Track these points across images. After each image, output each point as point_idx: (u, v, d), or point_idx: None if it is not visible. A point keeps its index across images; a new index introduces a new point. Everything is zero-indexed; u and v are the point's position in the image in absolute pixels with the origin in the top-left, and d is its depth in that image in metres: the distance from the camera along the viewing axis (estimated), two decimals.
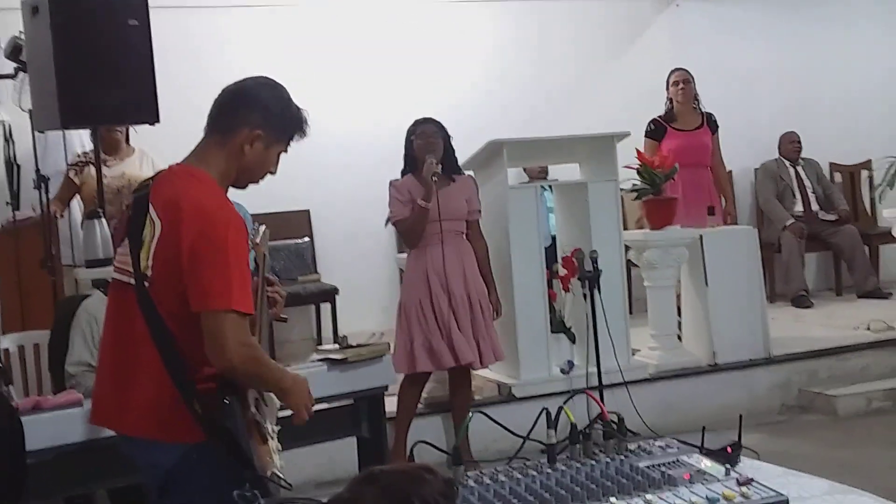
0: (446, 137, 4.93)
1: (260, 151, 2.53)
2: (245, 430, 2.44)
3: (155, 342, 2.44)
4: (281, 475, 2.51)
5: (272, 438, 2.56)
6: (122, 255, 2.55)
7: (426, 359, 4.83)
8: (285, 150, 2.62)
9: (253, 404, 2.52)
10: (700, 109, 6.54)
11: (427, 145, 4.84)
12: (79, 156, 5.70)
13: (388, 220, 5.01)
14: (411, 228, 4.88)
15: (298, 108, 2.60)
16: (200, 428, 2.42)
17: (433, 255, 4.87)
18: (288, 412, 2.58)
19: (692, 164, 6.17)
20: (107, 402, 2.58)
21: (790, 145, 8.02)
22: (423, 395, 5.33)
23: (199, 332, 2.38)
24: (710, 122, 6.54)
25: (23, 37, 5.02)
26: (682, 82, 6.49)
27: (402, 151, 4.99)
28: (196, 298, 2.37)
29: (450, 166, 4.93)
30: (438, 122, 4.96)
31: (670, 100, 6.52)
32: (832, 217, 7.83)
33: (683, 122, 6.47)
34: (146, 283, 2.44)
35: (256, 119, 2.51)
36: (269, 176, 2.65)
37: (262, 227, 2.76)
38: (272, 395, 2.59)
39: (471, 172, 5.55)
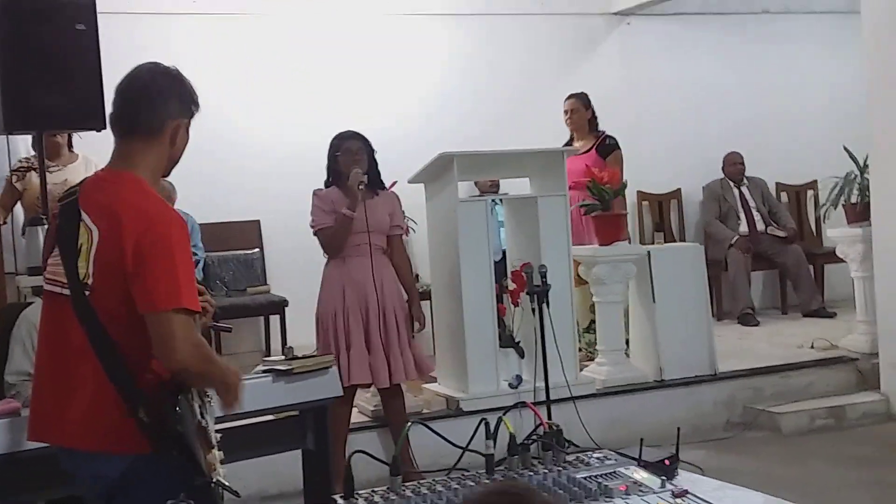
0: (371, 152, 4.93)
1: (184, 137, 2.58)
2: (195, 433, 2.40)
3: (96, 351, 2.39)
4: (226, 483, 2.48)
5: (215, 447, 2.53)
6: (54, 265, 2.49)
7: (342, 373, 4.79)
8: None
9: (199, 411, 2.49)
10: (597, 132, 6.50)
11: (353, 163, 4.83)
12: (21, 161, 5.62)
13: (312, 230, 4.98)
14: (334, 237, 4.85)
15: (188, 82, 2.61)
16: (146, 437, 2.38)
17: (352, 267, 4.86)
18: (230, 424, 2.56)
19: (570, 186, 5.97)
20: (45, 416, 2.51)
21: (733, 167, 8.11)
22: (371, 408, 5.31)
23: (144, 337, 2.34)
24: (602, 146, 6.42)
25: None
26: (570, 111, 6.50)
27: None
28: (143, 300, 2.33)
29: (374, 180, 4.92)
30: (363, 137, 4.94)
31: None
32: (781, 233, 7.92)
33: (580, 146, 6.46)
34: (87, 293, 2.40)
35: (174, 108, 2.53)
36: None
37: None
38: (212, 401, 2.57)
39: (421, 184, 5.57)
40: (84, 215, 2.43)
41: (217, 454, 2.53)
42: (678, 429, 2.41)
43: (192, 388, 2.46)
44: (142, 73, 2.58)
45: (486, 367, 5.40)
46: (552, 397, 5.14)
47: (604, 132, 6.50)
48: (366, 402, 5.36)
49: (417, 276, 6.41)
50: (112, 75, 4.76)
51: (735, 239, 7.78)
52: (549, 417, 4.76)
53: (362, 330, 4.83)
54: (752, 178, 8.15)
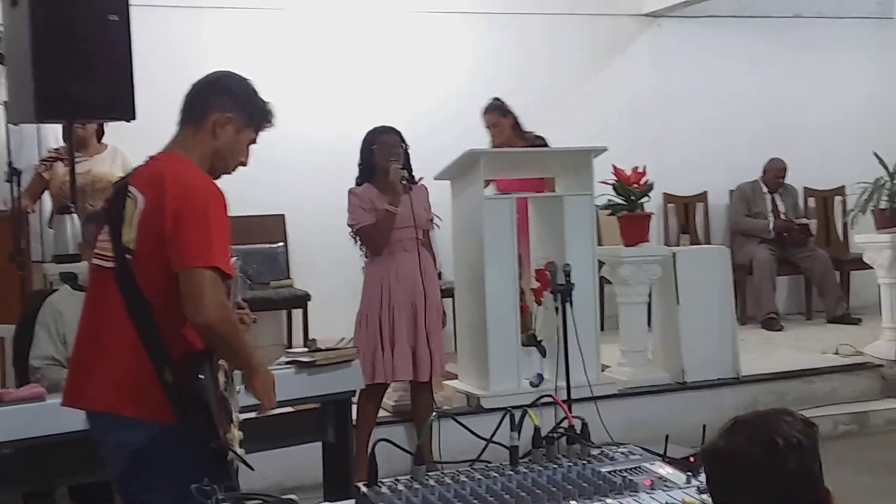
0: (406, 147, 4.92)
1: (231, 135, 2.63)
2: (217, 402, 2.45)
3: (130, 313, 2.47)
4: (244, 460, 2.50)
5: (235, 424, 2.55)
6: (103, 241, 2.60)
7: (379, 371, 4.80)
8: (254, 141, 2.71)
9: (222, 384, 2.52)
10: (524, 135, 6.18)
11: (390, 155, 4.81)
12: (50, 151, 5.66)
13: (350, 229, 4.97)
14: (378, 234, 4.82)
15: (264, 100, 2.71)
16: (169, 401, 2.43)
17: (398, 263, 4.85)
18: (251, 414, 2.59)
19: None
20: (78, 382, 2.60)
21: (775, 173, 8.02)
22: (392, 403, 5.31)
23: (179, 302, 2.42)
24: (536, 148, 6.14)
25: (1, 28, 5.00)
26: (490, 126, 6.20)
27: None
28: (176, 258, 2.42)
29: (409, 176, 4.92)
30: (398, 132, 4.93)
31: None
32: (806, 221, 7.90)
33: None
34: (128, 256, 2.49)
35: (225, 103, 2.62)
36: (245, 175, 2.76)
37: (235, 259, 2.83)
38: (236, 386, 2.59)
39: (447, 181, 5.57)
40: (131, 188, 2.54)
41: (237, 433, 2.55)
42: (703, 426, 2.39)
43: (217, 362, 2.50)
44: (214, 72, 2.72)
45: (508, 365, 5.39)
46: (573, 396, 5.12)
47: (531, 133, 6.23)
48: (386, 398, 5.36)
49: (440, 273, 6.41)
50: (141, 67, 4.87)
51: (772, 223, 7.72)
52: (556, 414, 4.75)
53: (410, 325, 4.82)
54: (787, 186, 8.09)
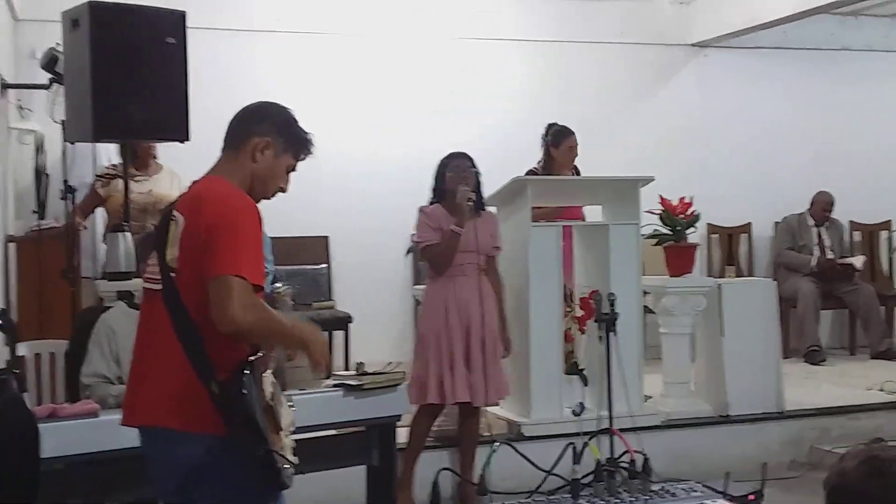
0: (477, 173, 4.96)
1: (270, 159, 2.69)
2: (260, 408, 2.48)
3: (176, 329, 2.52)
4: (295, 466, 2.52)
5: (286, 434, 2.58)
6: (152, 265, 2.67)
7: (437, 392, 4.81)
8: (293, 168, 2.77)
9: (269, 396, 2.55)
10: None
11: (461, 179, 4.86)
12: (107, 168, 5.72)
13: (410, 248, 5.01)
14: (442, 254, 4.85)
15: (304, 129, 2.77)
16: (219, 413, 2.46)
17: (457, 287, 4.86)
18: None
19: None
20: (134, 400, 2.65)
21: (822, 206, 7.95)
22: (435, 427, 5.31)
23: None
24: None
25: (60, 48, 5.09)
26: (572, 148, 6.15)
27: (428, 182, 5.00)
28: (207, 269, 2.48)
29: (478, 201, 4.95)
30: (470, 157, 4.97)
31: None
32: (855, 262, 7.80)
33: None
34: (172, 275, 2.55)
35: (265, 129, 2.70)
36: (289, 197, 2.83)
37: (286, 287, 2.87)
38: (286, 405, 2.63)
39: (493, 208, 5.58)
40: (175, 213, 2.61)
41: (287, 441, 2.58)
42: (764, 464, 2.38)
43: (262, 371, 2.54)
44: (257, 101, 2.79)
45: (550, 394, 5.37)
46: (615, 427, 5.08)
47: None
48: None
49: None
50: (196, 89, 4.94)
51: (815, 259, 7.66)
52: (612, 447, 4.72)
53: (464, 348, 4.83)
54: (834, 220, 8.04)
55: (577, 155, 6.21)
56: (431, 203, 4.99)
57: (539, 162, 6.23)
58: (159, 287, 2.59)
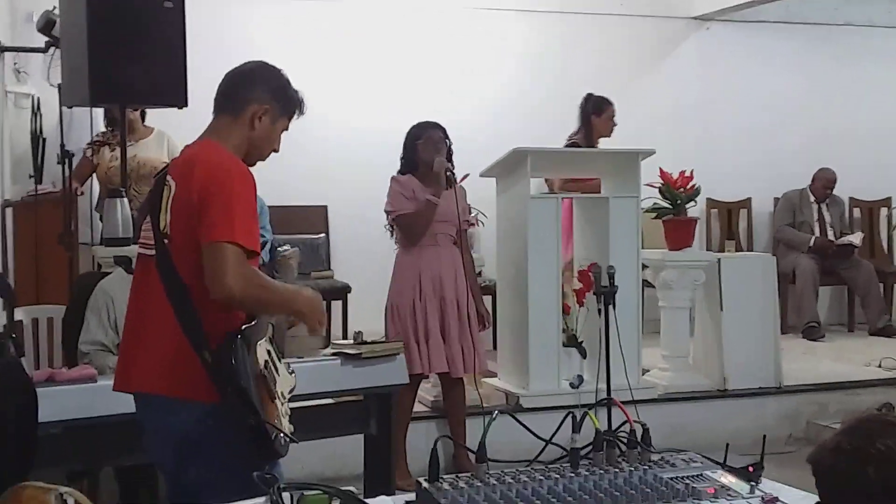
0: (449, 144, 4.91)
1: (267, 125, 2.70)
2: (251, 377, 2.46)
3: (168, 296, 2.51)
4: (289, 435, 2.50)
5: (281, 402, 2.56)
6: (146, 230, 2.65)
7: (419, 361, 4.79)
8: (286, 128, 2.78)
9: (262, 364, 2.53)
10: None
11: (436, 150, 4.81)
12: (97, 135, 5.70)
13: (388, 216, 4.96)
14: (416, 223, 4.81)
15: (296, 90, 2.78)
16: (212, 380, 2.45)
17: (430, 256, 4.84)
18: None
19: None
20: (127, 366, 2.65)
21: (824, 183, 7.92)
22: (430, 398, 5.31)
23: None
24: None
25: (56, 12, 5.04)
26: (611, 118, 6.40)
27: None
28: (201, 234, 2.46)
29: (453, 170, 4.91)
30: (443, 128, 4.92)
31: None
32: (854, 240, 7.78)
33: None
34: (166, 241, 2.54)
35: (264, 95, 2.69)
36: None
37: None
38: (285, 371, 2.61)
39: (490, 180, 5.56)
40: (168, 177, 2.60)
41: (282, 408, 2.56)
42: (764, 436, 2.37)
43: (257, 338, 2.52)
44: (249, 63, 2.78)
45: (548, 366, 5.37)
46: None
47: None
48: (425, 393, 5.36)
49: (481, 271, 6.39)
50: (193, 55, 4.88)
51: (813, 240, 7.65)
52: (611, 420, 4.72)
53: (438, 319, 4.82)
54: (835, 197, 8.01)
55: (616, 125, 6.26)
56: (402, 173, 4.94)
57: (576, 132, 6.25)
58: (152, 253, 2.58)
